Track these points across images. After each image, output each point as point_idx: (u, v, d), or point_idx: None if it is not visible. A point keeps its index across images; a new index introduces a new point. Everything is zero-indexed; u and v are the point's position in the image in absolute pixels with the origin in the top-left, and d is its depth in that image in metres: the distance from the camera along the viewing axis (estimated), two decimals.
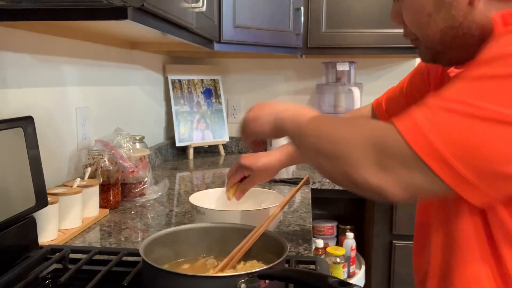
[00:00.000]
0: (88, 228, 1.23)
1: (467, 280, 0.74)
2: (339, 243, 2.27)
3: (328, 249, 1.93)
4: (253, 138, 0.94)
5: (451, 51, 0.78)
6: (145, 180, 1.53)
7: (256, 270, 0.70)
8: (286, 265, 0.88)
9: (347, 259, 1.93)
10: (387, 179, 0.64)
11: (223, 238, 0.90)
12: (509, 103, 0.58)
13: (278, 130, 0.85)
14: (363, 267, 2.04)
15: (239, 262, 0.83)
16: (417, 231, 0.92)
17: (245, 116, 0.94)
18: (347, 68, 2.32)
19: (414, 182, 0.63)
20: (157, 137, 2.27)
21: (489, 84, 0.61)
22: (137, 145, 1.63)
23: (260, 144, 1.01)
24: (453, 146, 0.60)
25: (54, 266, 0.90)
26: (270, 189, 1.57)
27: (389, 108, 1.11)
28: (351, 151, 0.67)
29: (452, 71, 0.83)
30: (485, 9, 0.72)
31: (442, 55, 0.80)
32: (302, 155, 0.83)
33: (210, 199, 1.22)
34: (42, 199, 1.00)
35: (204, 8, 1.38)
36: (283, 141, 1.03)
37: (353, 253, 1.98)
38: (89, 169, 1.34)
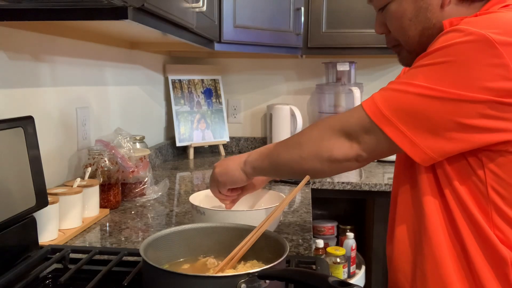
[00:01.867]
0: (88, 228, 1.23)
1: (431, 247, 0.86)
2: (339, 243, 2.27)
3: (328, 249, 1.93)
4: (228, 187, 1.07)
5: (424, 49, 0.90)
6: (145, 180, 1.53)
7: (256, 270, 0.70)
8: (286, 265, 0.88)
9: (347, 259, 1.93)
10: (357, 146, 0.87)
11: (223, 238, 0.90)
12: (439, 81, 0.77)
13: (250, 172, 1.03)
14: (363, 267, 2.04)
15: (239, 262, 0.83)
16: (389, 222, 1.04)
17: (212, 174, 1.07)
18: (347, 68, 2.32)
19: (374, 144, 0.85)
20: (157, 137, 2.27)
21: (428, 68, 0.79)
22: (138, 145, 1.64)
23: (236, 189, 1.11)
24: (397, 112, 0.80)
25: (54, 266, 0.90)
26: (270, 189, 1.57)
27: None
28: (324, 139, 0.90)
29: None
30: (453, 13, 0.88)
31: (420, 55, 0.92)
32: (283, 175, 1.05)
33: (210, 199, 1.22)
34: (42, 199, 1.00)
35: (204, 8, 1.38)
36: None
37: (353, 253, 1.98)
38: (89, 169, 1.34)
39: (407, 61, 0.97)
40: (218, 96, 2.49)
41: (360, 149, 0.86)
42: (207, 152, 2.52)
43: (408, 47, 0.94)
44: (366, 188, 1.85)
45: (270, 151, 0.99)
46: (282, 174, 1.05)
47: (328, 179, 1.91)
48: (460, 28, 0.78)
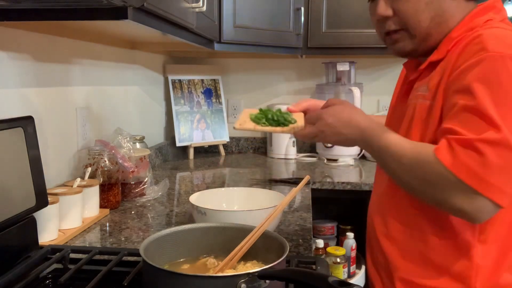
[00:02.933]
0: (88, 228, 1.23)
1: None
2: (339, 243, 2.27)
3: (328, 249, 1.93)
4: (317, 141, 1.07)
5: (430, 38, 0.95)
6: (145, 180, 1.53)
7: (256, 270, 0.70)
8: (286, 265, 0.88)
9: (347, 259, 1.93)
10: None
11: (223, 238, 0.90)
12: None
13: (361, 146, 0.99)
14: (363, 267, 2.04)
15: (239, 262, 0.83)
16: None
17: (322, 125, 0.97)
18: (347, 68, 2.32)
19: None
20: (157, 137, 2.27)
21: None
22: (137, 145, 1.64)
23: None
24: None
25: (54, 266, 0.90)
26: (270, 189, 1.57)
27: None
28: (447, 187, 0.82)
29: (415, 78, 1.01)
30: (459, 6, 0.94)
31: (421, 44, 0.97)
32: (387, 170, 0.95)
33: (210, 199, 1.22)
34: (42, 199, 1.00)
35: (204, 8, 1.38)
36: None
37: (353, 253, 1.98)
38: (89, 169, 1.34)
39: (407, 49, 0.98)
40: (218, 96, 2.49)
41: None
42: (207, 152, 2.52)
43: (415, 32, 0.95)
44: (366, 188, 1.85)
45: (391, 155, 0.90)
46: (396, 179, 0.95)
47: (328, 179, 1.91)
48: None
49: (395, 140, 0.90)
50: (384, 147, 0.91)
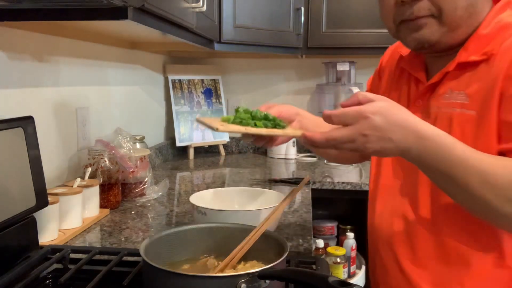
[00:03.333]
0: (88, 228, 1.23)
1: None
2: (339, 243, 2.27)
3: (328, 249, 1.93)
4: (344, 149, 0.74)
5: (458, 29, 0.85)
6: (145, 180, 1.53)
7: (256, 270, 0.70)
8: (286, 265, 0.88)
9: (347, 259, 1.93)
10: None
11: (223, 238, 0.90)
12: None
13: (414, 157, 0.74)
14: (364, 267, 2.04)
15: (239, 262, 0.83)
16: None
17: (366, 127, 0.71)
18: (347, 68, 2.32)
19: None
20: (157, 137, 2.27)
21: None
22: (138, 145, 1.64)
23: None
24: None
25: (55, 266, 0.90)
26: (270, 189, 1.57)
27: None
28: None
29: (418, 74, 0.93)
30: None
31: (447, 35, 0.85)
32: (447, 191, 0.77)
33: (210, 199, 1.22)
34: (42, 199, 1.00)
35: (204, 8, 1.38)
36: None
37: (354, 253, 1.98)
38: (89, 169, 1.34)
39: (433, 38, 0.86)
40: (218, 96, 2.49)
41: None
42: (207, 152, 2.52)
43: (447, 20, 0.83)
44: (366, 188, 1.85)
45: (471, 172, 0.72)
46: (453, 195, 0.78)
47: (328, 179, 1.91)
48: None
49: (474, 153, 0.73)
50: (459, 160, 0.71)
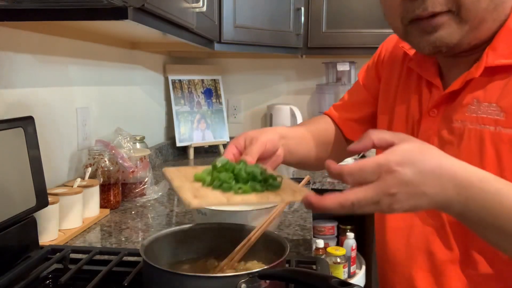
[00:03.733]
0: (88, 228, 1.23)
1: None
2: (339, 243, 2.26)
3: (328, 249, 1.93)
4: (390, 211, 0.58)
5: (481, 27, 0.70)
6: (145, 180, 1.53)
7: (257, 270, 0.69)
8: (287, 265, 0.88)
9: (347, 259, 1.93)
10: None
11: (223, 238, 0.90)
12: None
13: (456, 209, 0.59)
14: (364, 267, 2.04)
15: (239, 262, 0.83)
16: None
17: (393, 184, 0.55)
18: (348, 68, 2.32)
19: None
20: (157, 137, 2.27)
21: None
22: (138, 145, 1.64)
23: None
24: None
25: (55, 266, 0.90)
26: None
27: (341, 113, 1.06)
28: None
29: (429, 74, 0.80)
30: None
31: (470, 34, 0.70)
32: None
33: None
34: (42, 199, 1.00)
35: (204, 8, 1.38)
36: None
37: (354, 253, 1.98)
38: (89, 169, 1.34)
39: (453, 40, 0.71)
40: (218, 96, 2.49)
41: None
42: (207, 152, 2.51)
43: (469, 15, 0.68)
44: None
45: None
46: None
47: (329, 179, 1.91)
48: None
49: None
50: (509, 208, 0.57)
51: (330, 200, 0.56)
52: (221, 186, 0.64)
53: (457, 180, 0.57)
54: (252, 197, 0.62)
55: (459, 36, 0.70)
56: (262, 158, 0.82)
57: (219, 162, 0.69)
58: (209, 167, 0.70)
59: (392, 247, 0.86)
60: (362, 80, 1.05)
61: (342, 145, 1.05)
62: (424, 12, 0.69)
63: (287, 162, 0.92)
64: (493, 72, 0.71)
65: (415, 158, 0.56)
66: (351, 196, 0.56)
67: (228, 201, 0.60)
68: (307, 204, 0.58)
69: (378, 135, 0.59)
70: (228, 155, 0.79)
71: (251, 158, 0.75)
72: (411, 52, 0.86)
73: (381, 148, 0.59)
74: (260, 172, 0.66)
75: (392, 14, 0.75)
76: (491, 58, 0.71)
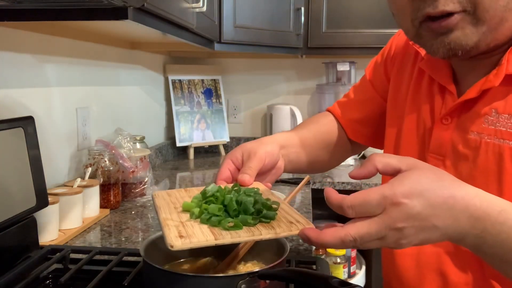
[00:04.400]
0: (88, 228, 1.23)
1: None
2: None
3: (328, 249, 1.93)
4: (407, 245, 0.53)
5: (500, 28, 0.63)
6: (145, 180, 1.53)
7: (257, 270, 0.69)
8: (287, 265, 0.88)
9: (347, 259, 1.93)
10: None
11: None
12: None
13: (471, 243, 0.54)
14: (364, 267, 2.04)
15: (239, 262, 0.83)
16: None
17: (400, 219, 0.51)
18: (348, 68, 2.32)
19: None
20: (157, 137, 2.27)
21: None
22: (138, 145, 1.64)
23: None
24: None
25: (55, 266, 0.90)
26: (270, 189, 1.56)
27: (345, 112, 1.04)
28: None
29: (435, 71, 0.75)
30: None
31: (488, 35, 0.64)
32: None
33: None
34: (42, 199, 1.00)
35: (204, 8, 1.38)
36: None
37: (354, 253, 1.98)
38: (89, 169, 1.34)
39: (470, 42, 0.64)
40: (218, 96, 2.49)
41: None
42: (207, 152, 2.51)
43: (485, 14, 0.61)
44: (367, 188, 1.85)
45: None
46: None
47: (328, 179, 1.91)
48: None
49: None
50: None
51: (330, 236, 0.53)
52: (210, 219, 0.60)
53: (470, 211, 0.51)
54: (243, 233, 0.57)
55: (476, 38, 0.63)
56: (261, 173, 0.80)
57: (210, 189, 0.64)
58: (199, 194, 0.67)
59: (400, 266, 0.81)
60: (369, 76, 0.99)
61: (345, 145, 1.03)
62: (435, 10, 0.62)
63: (288, 171, 0.89)
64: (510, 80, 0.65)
65: (424, 188, 0.51)
66: (353, 231, 0.52)
67: (216, 240, 0.56)
68: (305, 239, 0.55)
69: (382, 160, 0.54)
70: (225, 171, 0.77)
71: (248, 177, 0.73)
72: (423, 51, 0.79)
73: (387, 175, 0.55)
74: (254, 201, 0.61)
75: (402, 15, 0.69)
76: None
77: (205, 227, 0.59)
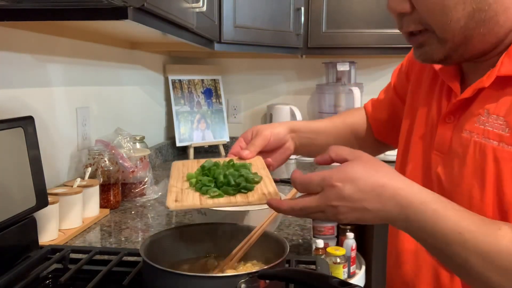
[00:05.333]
0: (88, 228, 1.23)
1: None
2: (339, 243, 2.26)
3: (328, 249, 1.93)
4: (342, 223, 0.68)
5: (469, 42, 0.67)
6: (145, 180, 1.53)
7: (256, 270, 0.70)
8: (286, 265, 0.88)
9: (347, 259, 1.93)
10: None
11: (223, 238, 0.90)
12: None
13: (403, 228, 0.63)
14: (363, 267, 2.04)
15: (239, 262, 0.83)
16: None
17: (333, 198, 0.61)
18: (348, 68, 2.32)
19: None
20: (157, 137, 2.27)
21: None
22: (138, 145, 1.64)
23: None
24: None
25: (55, 266, 0.90)
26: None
27: (374, 111, 1.08)
28: None
29: (444, 70, 0.78)
30: None
31: (456, 49, 0.69)
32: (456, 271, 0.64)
33: None
34: (42, 199, 1.00)
35: (204, 8, 1.38)
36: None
37: (354, 253, 1.98)
38: (89, 169, 1.34)
39: (436, 57, 0.71)
40: (218, 96, 2.49)
41: None
42: (207, 152, 2.52)
43: (445, 35, 0.67)
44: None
45: (469, 250, 0.58)
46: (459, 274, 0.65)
47: None
48: None
49: (472, 224, 0.59)
50: (452, 234, 0.59)
51: (286, 205, 0.66)
52: (201, 189, 0.74)
53: (397, 200, 0.60)
54: (222, 200, 0.71)
55: (444, 53, 0.69)
56: (269, 151, 0.92)
57: (207, 163, 0.80)
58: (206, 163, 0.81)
59: (401, 261, 0.85)
60: (393, 80, 1.03)
61: (372, 141, 1.08)
62: (403, 31, 0.72)
63: (303, 154, 1.08)
64: (505, 82, 0.67)
65: (356, 176, 0.61)
66: (300, 203, 0.64)
67: (201, 204, 0.71)
68: (270, 207, 0.68)
69: (336, 150, 0.66)
70: (236, 147, 0.90)
71: (247, 152, 0.86)
72: None
73: (339, 162, 0.65)
74: (237, 175, 0.75)
75: (397, 25, 0.76)
76: (505, 66, 0.67)
77: (197, 194, 0.74)
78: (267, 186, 0.76)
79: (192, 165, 0.86)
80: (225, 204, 0.71)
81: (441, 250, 0.61)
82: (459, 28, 0.66)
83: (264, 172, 0.80)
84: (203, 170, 0.79)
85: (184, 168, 0.85)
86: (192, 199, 0.72)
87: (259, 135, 0.89)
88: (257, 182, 0.76)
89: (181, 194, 0.75)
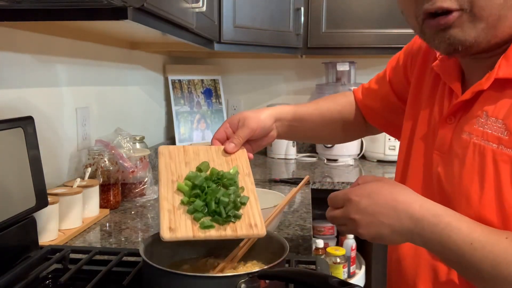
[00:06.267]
0: (88, 228, 1.23)
1: None
2: (339, 243, 2.26)
3: (328, 249, 1.93)
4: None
5: (501, 25, 0.65)
6: (145, 180, 1.53)
7: (256, 270, 0.70)
8: (286, 265, 0.88)
9: (347, 259, 1.93)
10: None
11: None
12: None
13: (418, 242, 0.65)
14: (363, 267, 2.04)
15: (239, 262, 0.83)
16: None
17: (352, 211, 0.67)
18: (347, 68, 2.32)
19: None
20: (157, 137, 2.27)
21: None
22: (137, 145, 1.64)
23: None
24: None
25: (54, 266, 0.90)
26: (270, 189, 1.57)
27: (365, 98, 1.08)
28: None
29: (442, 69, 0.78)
30: None
31: (487, 33, 0.65)
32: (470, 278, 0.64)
33: None
34: (42, 199, 1.00)
35: (204, 8, 1.38)
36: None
37: (353, 253, 1.98)
38: (89, 169, 1.34)
39: (468, 39, 0.66)
40: (218, 96, 2.49)
41: None
42: None
43: (482, 13, 0.64)
44: None
45: (481, 260, 0.61)
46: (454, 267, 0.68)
47: (328, 179, 1.91)
48: None
49: (482, 235, 0.61)
50: (466, 245, 0.61)
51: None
52: (194, 213, 0.76)
53: (410, 213, 0.64)
54: (213, 233, 0.75)
55: (475, 34, 0.65)
56: (252, 139, 0.95)
57: (197, 183, 0.79)
58: (189, 178, 0.82)
59: (400, 256, 0.86)
60: (389, 74, 1.02)
61: (360, 126, 1.10)
62: (433, 6, 0.65)
63: (286, 138, 1.06)
64: (503, 85, 0.67)
65: (373, 191, 0.67)
66: (328, 214, 0.73)
67: (194, 236, 0.74)
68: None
69: (364, 176, 0.73)
70: (221, 132, 0.92)
71: (233, 145, 0.87)
72: (438, 52, 0.81)
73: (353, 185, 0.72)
74: (227, 202, 0.76)
75: (408, 12, 0.72)
76: (503, 69, 0.66)
77: (189, 222, 0.76)
78: (253, 212, 0.79)
79: (179, 157, 0.90)
80: (216, 237, 0.75)
81: (457, 262, 0.63)
82: (497, 5, 0.63)
83: (249, 185, 0.83)
84: (194, 186, 0.79)
85: (172, 163, 0.89)
86: (185, 229, 0.75)
87: (246, 127, 0.91)
88: (245, 204, 0.79)
89: (174, 216, 0.77)
